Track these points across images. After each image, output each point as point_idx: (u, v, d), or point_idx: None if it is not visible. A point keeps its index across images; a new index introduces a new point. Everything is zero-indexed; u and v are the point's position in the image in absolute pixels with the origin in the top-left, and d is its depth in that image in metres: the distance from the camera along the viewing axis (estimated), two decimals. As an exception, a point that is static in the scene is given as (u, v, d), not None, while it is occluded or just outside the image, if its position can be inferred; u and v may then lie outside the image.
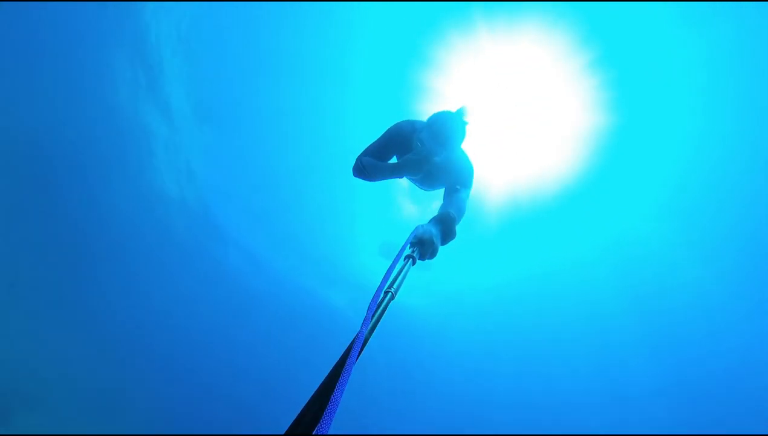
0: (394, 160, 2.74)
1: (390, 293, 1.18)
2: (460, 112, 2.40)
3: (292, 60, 13.64)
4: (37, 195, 11.48)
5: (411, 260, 1.62)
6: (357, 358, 0.83)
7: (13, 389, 10.40)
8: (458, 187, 2.47)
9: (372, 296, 1.10)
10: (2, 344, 10.67)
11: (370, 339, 0.98)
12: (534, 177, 13.54)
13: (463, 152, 2.62)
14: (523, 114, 12.27)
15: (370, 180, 2.60)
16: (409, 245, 1.74)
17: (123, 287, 13.48)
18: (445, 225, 2.04)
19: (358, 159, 2.59)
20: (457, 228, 2.13)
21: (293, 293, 16.11)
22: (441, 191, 2.79)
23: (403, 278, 1.38)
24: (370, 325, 0.98)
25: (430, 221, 2.03)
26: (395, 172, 2.46)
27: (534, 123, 12.30)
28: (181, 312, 14.73)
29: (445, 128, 2.31)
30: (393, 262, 1.41)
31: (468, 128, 2.39)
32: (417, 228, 1.91)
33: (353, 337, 0.90)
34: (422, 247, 1.84)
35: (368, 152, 2.63)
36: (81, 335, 12.65)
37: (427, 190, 2.94)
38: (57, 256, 11.98)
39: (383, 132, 2.69)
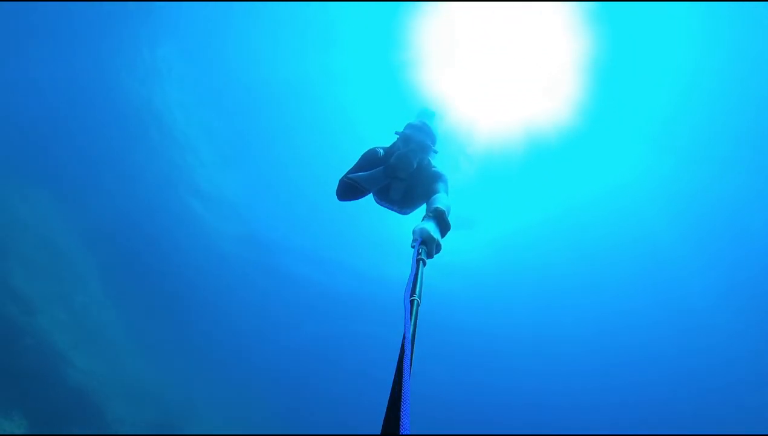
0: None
1: (416, 301, 1.25)
2: (422, 115, 2.67)
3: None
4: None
5: (422, 262, 1.69)
6: (410, 372, 0.83)
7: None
8: (438, 190, 2.59)
9: (403, 309, 1.15)
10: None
11: (416, 343, 1.02)
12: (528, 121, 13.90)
13: (434, 165, 2.84)
14: (512, 57, 12.07)
15: (363, 192, 2.72)
16: (415, 249, 1.84)
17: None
18: (439, 219, 2.15)
19: (341, 180, 2.68)
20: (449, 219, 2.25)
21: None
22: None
23: (421, 281, 1.47)
24: (410, 335, 1.01)
25: (425, 220, 2.13)
26: (389, 171, 2.60)
27: (524, 66, 12.18)
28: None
29: (429, 130, 2.71)
30: (411, 272, 1.47)
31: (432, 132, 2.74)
32: (414, 231, 2.00)
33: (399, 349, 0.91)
34: (427, 246, 1.93)
35: (351, 171, 2.76)
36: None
37: (407, 211, 3.08)
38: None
39: (358, 159, 2.84)
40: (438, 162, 3.00)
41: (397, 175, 2.66)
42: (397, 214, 3.38)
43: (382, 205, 3.22)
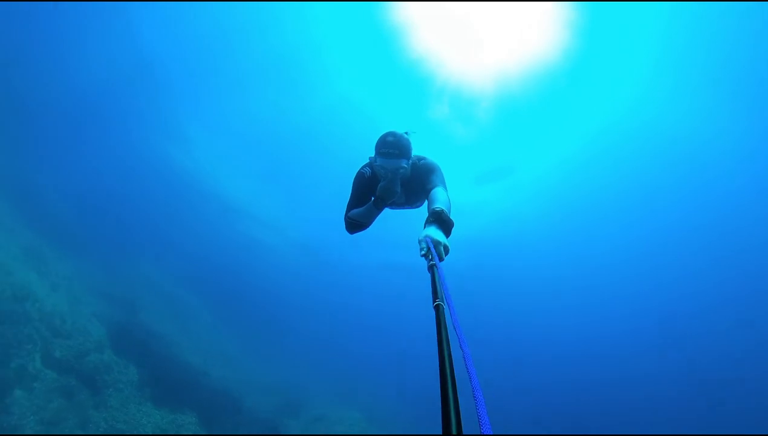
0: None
1: (441, 306, 1.27)
2: (393, 132, 2.75)
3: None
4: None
5: (435, 267, 1.72)
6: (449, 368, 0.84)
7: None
8: (433, 184, 2.67)
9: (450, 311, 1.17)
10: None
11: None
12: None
13: (422, 157, 2.94)
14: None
15: (365, 226, 2.87)
16: (428, 258, 1.88)
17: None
18: (440, 221, 2.23)
19: (344, 219, 2.90)
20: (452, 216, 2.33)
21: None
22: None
23: (441, 283, 1.48)
24: (444, 340, 1.02)
25: (426, 225, 2.19)
26: (379, 203, 2.69)
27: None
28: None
29: (389, 143, 2.63)
30: (435, 280, 1.49)
31: (405, 137, 2.74)
32: (420, 241, 2.06)
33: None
34: (435, 250, 1.97)
35: (349, 209, 2.91)
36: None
37: (418, 205, 3.19)
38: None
39: (351, 187, 2.97)
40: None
41: (388, 201, 2.72)
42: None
43: (394, 209, 3.30)
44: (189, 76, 19.90)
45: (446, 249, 2.05)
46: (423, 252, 1.97)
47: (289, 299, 18.21)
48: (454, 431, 0.67)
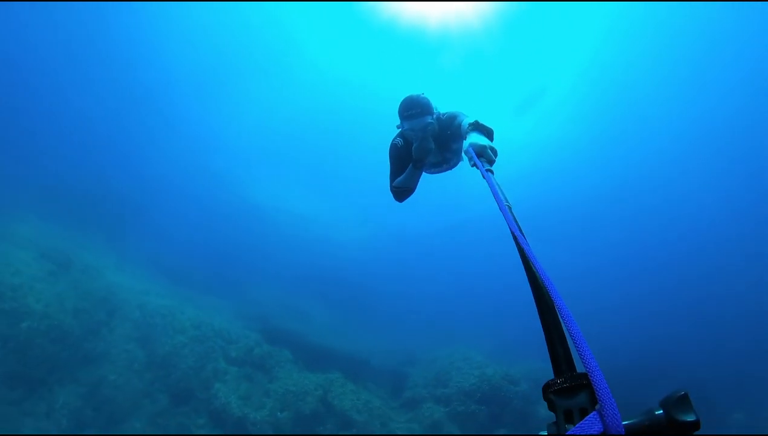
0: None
1: (509, 206, 1.27)
2: (410, 95, 2.86)
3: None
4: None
5: (490, 172, 1.72)
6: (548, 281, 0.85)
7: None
8: (461, 120, 2.70)
9: (506, 219, 1.16)
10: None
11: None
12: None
13: (444, 112, 3.01)
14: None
15: (411, 190, 2.99)
16: (481, 163, 1.87)
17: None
18: (478, 127, 2.30)
19: (391, 190, 3.02)
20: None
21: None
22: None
23: (500, 187, 1.47)
24: (521, 234, 1.05)
25: (468, 134, 2.27)
26: (417, 164, 2.80)
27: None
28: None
29: (409, 104, 2.76)
30: (491, 185, 1.48)
31: (422, 96, 2.84)
32: (467, 151, 2.08)
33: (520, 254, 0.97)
34: (484, 155, 2.00)
35: (392, 179, 3.02)
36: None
37: (454, 161, 3.25)
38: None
39: (389, 161, 3.07)
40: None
41: (425, 160, 2.82)
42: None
43: (433, 173, 3.38)
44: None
45: (494, 151, 2.08)
46: (474, 160, 1.97)
47: (382, 279, 20.96)
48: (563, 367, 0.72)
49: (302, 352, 11.17)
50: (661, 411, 0.65)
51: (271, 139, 28.33)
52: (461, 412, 9.84)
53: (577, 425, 0.62)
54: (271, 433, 9.00)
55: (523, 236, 1.05)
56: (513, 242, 1.06)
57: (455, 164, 3.28)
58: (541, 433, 0.68)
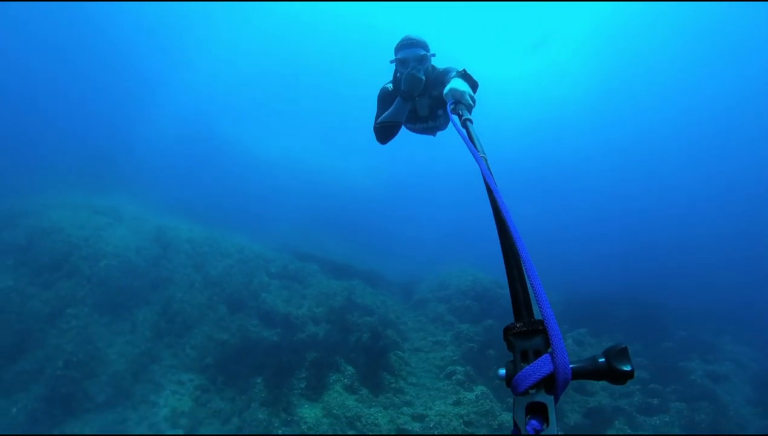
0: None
1: (485, 158, 1.29)
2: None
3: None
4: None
5: (468, 121, 1.72)
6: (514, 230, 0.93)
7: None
8: (453, 74, 2.60)
9: (480, 169, 1.20)
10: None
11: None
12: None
13: (437, 67, 3.02)
14: None
15: (396, 126, 2.99)
16: (456, 112, 1.92)
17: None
18: (464, 76, 2.37)
19: (374, 130, 3.04)
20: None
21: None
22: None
23: (477, 137, 1.48)
24: (495, 186, 1.10)
25: (452, 80, 2.35)
26: (406, 95, 2.82)
27: None
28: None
29: (407, 38, 2.85)
30: (463, 136, 1.49)
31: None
32: (446, 94, 2.20)
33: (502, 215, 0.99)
34: (463, 102, 2.06)
35: (377, 118, 3.06)
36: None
37: (442, 124, 3.24)
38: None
39: (376, 105, 3.12)
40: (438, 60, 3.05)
41: (414, 94, 2.82)
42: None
43: (417, 131, 3.35)
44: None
45: (472, 99, 2.14)
46: (451, 106, 2.05)
47: (388, 212, 23.59)
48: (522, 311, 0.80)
49: (327, 267, 13.54)
50: (603, 359, 0.74)
51: (276, 91, 31.15)
52: (458, 306, 12.23)
53: (531, 364, 0.70)
54: (310, 324, 11.43)
55: (497, 187, 1.10)
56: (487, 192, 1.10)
57: (443, 128, 3.29)
58: (500, 371, 0.76)
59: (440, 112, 3.10)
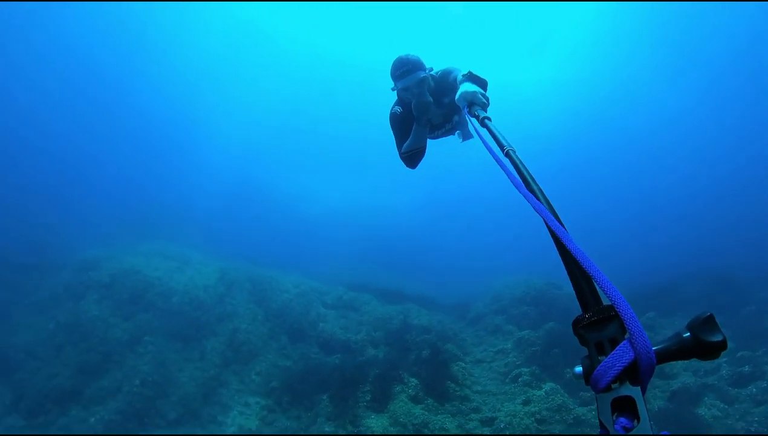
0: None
1: (511, 151, 1.25)
2: (398, 56, 2.85)
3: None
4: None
5: (485, 118, 1.70)
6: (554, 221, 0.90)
7: None
8: (456, 74, 2.73)
9: (504, 170, 1.15)
10: None
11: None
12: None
13: (435, 71, 3.04)
14: None
15: (421, 151, 3.01)
16: (474, 114, 1.89)
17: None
18: (471, 78, 2.39)
19: (401, 158, 3.06)
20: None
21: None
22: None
23: (499, 132, 1.46)
24: (532, 182, 1.07)
25: (461, 84, 2.38)
26: (420, 120, 2.83)
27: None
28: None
29: (400, 63, 2.79)
30: (482, 139, 1.48)
31: (411, 54, 2.82)
32: (458, 101, 2.23)
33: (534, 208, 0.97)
34: (476, 102, 2.07)
35: (399, 147, 3.07)
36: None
37: (459, 128, 3.29)
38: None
39: (392, 131, 3.08)
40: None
41: (428, 117, 2.86)
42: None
43: (438, 137, 3.38)
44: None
45: (485, 96, 2.17)
46: (466, 109, 2.09)
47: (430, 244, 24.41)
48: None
49: (380, 295, 13.83)
50: (689, 333, 0.66)
51: (311, 137, 35.59)
52: (516, 315, 12.07)
53: (609, 355, 0.64)
54: (369, 347, 11.53)
55: (534, 181, 1.07)
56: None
57: (459, 124, 3.28)
58: (576, 369, 0.69)
59: (455, 117, 3.17)
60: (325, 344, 11.94)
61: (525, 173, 1.14)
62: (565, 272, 0.84)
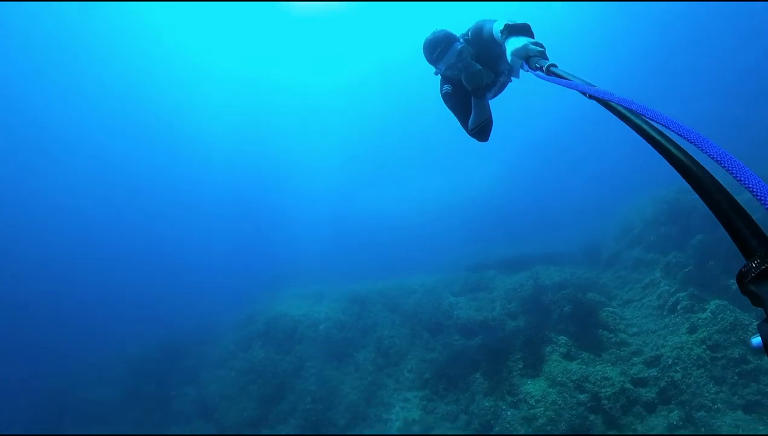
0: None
1: (593, 88, 1.12)
2: (425, 39, 2.76)
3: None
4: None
5: (551, 66, 1.62)
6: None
7: None
8: (488, 27, 2.54)
9: (601, 96, 1.04)
10: None
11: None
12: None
13: (467, 31, 2.83)
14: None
15: (488, 121, 2.88)
16: (535, 66, 1.78)
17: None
18: (514, 30, 2.14)
19: (471, 135, 2.95)
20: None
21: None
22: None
23: (571, 74, 1.39)
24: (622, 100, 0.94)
25: (505, 43, 2.14)
26: (477, 92, 2.66)
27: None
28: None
29: (431, 46, 2.69)
30: (561, 83, 1.37)
31: (435, 31, 2.74)
32: (514, 61, 2.01)
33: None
34: (530, 53, 1.90)
35: (464, 124, 2.95)
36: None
37: (512, 74, 3.01)
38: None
39: (452, 111, 2.99)
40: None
41: (484, 85, 2.68)
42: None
43: (497, 94, 3.20)
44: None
45: (538, 44, 1.97)
46: (526, 65, 1.89)
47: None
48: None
49: (503, 267, 13.47)
50: None
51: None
52: (654, 240, 10.71)
53: None
54: (508, 321, 11.26)
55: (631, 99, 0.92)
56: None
57: (510, 72, 3.00)
58: (752, 340, 0.52)
59: (503, 67, 2.92)
60: (464, 329, 11.97)
61: (621, 103, 0.96)
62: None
